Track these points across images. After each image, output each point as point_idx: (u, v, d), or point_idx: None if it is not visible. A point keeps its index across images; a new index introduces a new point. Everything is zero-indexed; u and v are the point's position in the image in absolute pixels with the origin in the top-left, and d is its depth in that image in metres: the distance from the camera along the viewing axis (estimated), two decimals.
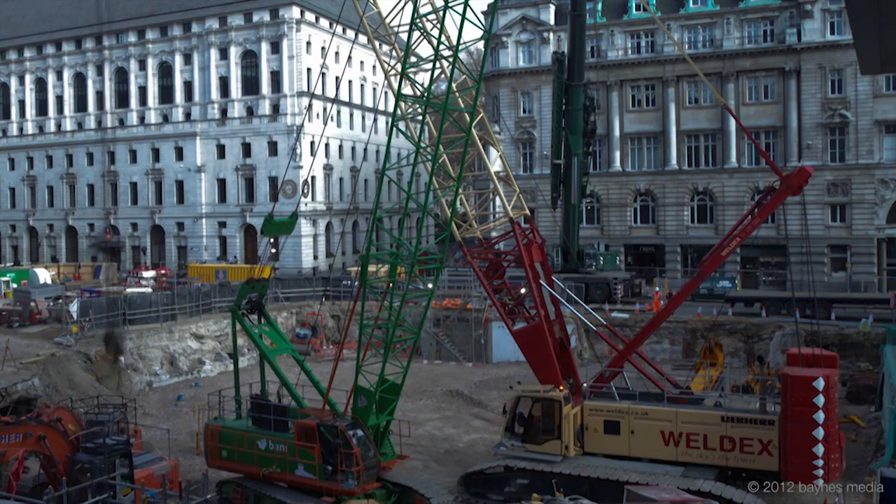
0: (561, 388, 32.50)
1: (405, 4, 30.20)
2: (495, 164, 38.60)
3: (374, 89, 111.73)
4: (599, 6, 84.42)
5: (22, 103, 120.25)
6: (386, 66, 34.07)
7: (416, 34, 29.04)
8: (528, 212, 36.92)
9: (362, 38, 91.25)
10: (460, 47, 27.85)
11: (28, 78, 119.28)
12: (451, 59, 28.41)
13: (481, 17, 31.95)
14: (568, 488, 29.06)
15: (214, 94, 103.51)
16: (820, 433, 28.17)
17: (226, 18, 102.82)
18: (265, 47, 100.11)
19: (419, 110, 29.95)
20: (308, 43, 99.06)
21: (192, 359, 59.56)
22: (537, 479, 30.69)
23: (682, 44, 79.93)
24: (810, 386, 28.33)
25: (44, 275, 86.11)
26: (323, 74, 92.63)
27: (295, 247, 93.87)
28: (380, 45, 34.59)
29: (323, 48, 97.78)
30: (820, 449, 28.23)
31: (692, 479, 29.13)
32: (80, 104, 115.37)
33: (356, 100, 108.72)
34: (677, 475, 29.66)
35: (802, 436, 28.39)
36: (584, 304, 63.10)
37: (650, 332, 36.76)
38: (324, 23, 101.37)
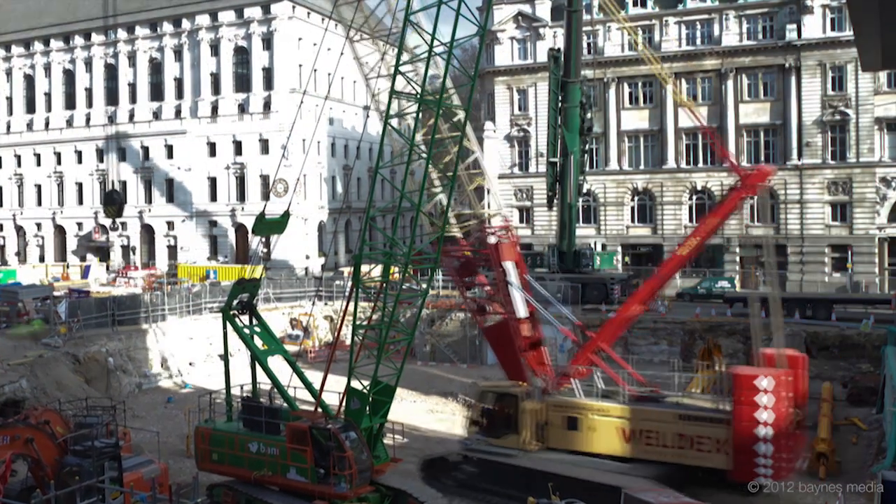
0: (523, 383, 33.49)
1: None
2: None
3: (368, 86, 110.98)
4: (596, 2, 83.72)
5: (10, 100, 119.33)
6: (364, 68, 33.83)
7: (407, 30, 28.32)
8: (504, 211, 37.32)
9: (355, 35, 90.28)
10: (454, 44, 27.19)
11: (16, 75, 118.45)
12: (444, 56, 27.84)
13: (476, 12, 31.52)
14: (523, 482, 30.34)
15: (205, 91, 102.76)
16: (765, 431, 28.68)
17: (217, 15, 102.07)
18: (257, 44, 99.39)
19: (412, 108, 29.35)
20: (300, 39, 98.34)
21: (182, 360, 58.77)
22: (496, 471, 31.68)
23: (679, 40, 79.76)
24: (754, 385, 28.87)
25: (31, 275, 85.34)
26: (315, 71, 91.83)
27: (287, 246, 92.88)
28: (358, 36, 34.06)
29: (315, 44, 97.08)
30: (765, 447, 28.73)
31: (627, 475, 29.94)
32: (69, 101, 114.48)
33: (349, 97, 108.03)
34: (618, 471, 30.46)
35: (748, 434, 28.94)
36: (581, 304, 63.15)
37: (610, 331, 36.64)
38: (315, 18, 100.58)
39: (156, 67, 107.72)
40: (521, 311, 35.73)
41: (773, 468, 28.82)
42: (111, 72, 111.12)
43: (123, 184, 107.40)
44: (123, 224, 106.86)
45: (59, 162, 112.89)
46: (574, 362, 35.61)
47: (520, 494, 30.31)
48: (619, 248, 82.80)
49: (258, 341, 32.80)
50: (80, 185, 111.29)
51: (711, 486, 30.66)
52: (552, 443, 32.99)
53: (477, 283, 37.28)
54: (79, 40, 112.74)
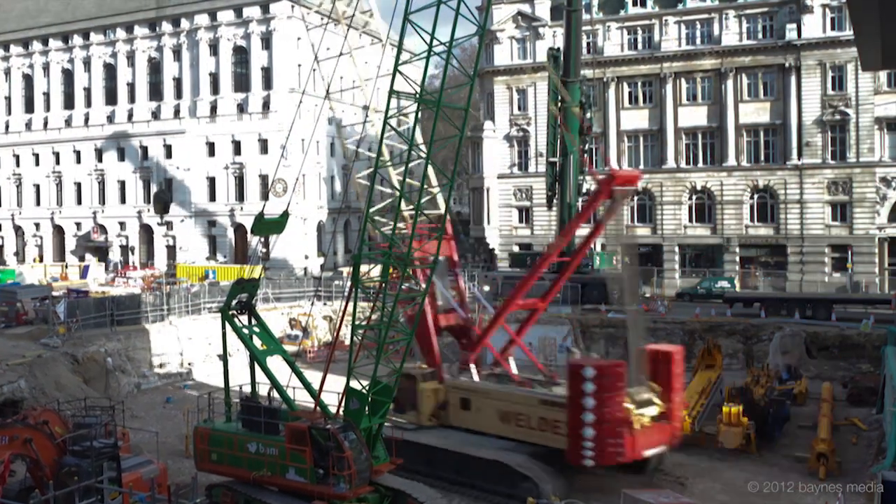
0: (427, 366, 37.23)
1: None
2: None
3: (367, 86, 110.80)
4: (595, 1, 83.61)
5: (8, 100, 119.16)
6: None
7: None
8: (441, 210, 40.51)
9: (354, 34, 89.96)
10: (454, 43, 27.09)
11: (14, 74, 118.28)
12: (444, 55, 27.76)
13: (475, 12, 31.50)
14: (414, 456, 32.73)
15: (204, 91, 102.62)
16: (588, 417, 30.60)
17: (216, 14, 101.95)
18: (256, 43, 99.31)
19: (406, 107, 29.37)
20: (299, 39, 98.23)
21: (181, 360, 58.71)
22: (396, 446, 33.42)
23: (679, 40, 79.85)
24: (579, 374, 31.04)
25: (30, 274, 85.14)
26: (314, 70, 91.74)
27: (286, 246, 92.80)
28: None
29: (314, 44, 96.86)
30: (589, 432, 30.67)
31: (489, 448, 33.31)
32: (68, 101, 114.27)
33: (347, 96, 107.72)
34: (482, 446, 33.64)
35: (574, 419, 31.14)
36: (581, 304, 63.15)
37: (498, 325, 38.95)
38: (315, 18, 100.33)
39: (155, 67, 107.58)
40: (441, 301, 38.68)
41: (596, 451, 30.74)
42: (110, 71, 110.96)
43: (122, 183, 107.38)
44: (122, 224, 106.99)
45: (57, 162, 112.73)
46: (471, 350, 38.39)
47: (411, 467, 32.37)
48: (619, 248, 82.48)
49: (257, 341, 32.63)
50: (78, 185, 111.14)
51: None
52: (450, 421, 36.20)
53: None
54: (77, 40, 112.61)
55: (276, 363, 32.61)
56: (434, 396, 36.30)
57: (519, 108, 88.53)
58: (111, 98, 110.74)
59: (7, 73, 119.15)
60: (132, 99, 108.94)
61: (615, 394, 30.96)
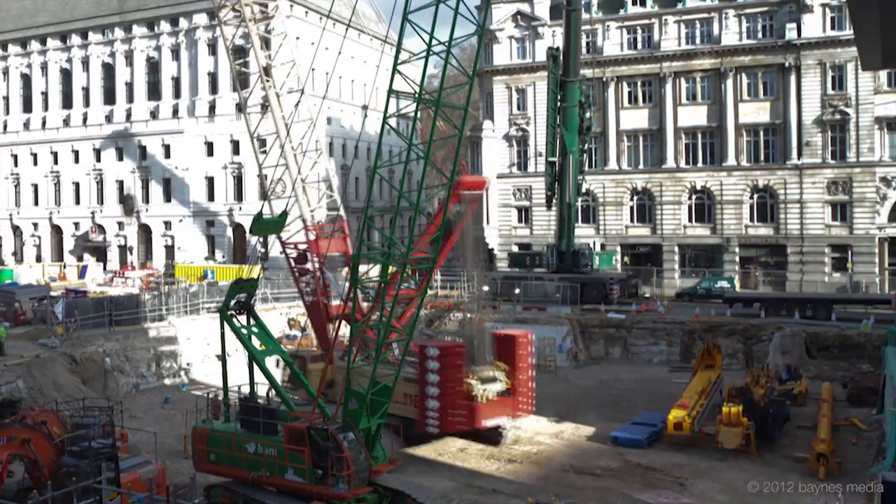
0: (319, 350, 41.38)
1: None
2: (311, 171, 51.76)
3: (365, 85, 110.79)
4: (595, 0, 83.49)
5: (6, 100, 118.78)
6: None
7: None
8: (340, 212, 50.09)
9: (353, 33, 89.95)
10: (453, 43, 27.00)
11: (13, 74, 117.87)
12: (443, 55, 27.70)
13: (474, 11, 31.41)
14: None
15: (203, 90, 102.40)
16: (431, 391, 35.07)
17: (214, 13, 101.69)
18: (255, 43, 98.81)
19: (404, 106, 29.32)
20: (297, 38, 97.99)
21: (179, 361, 58.56)
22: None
23: (679, 39, 79.76)
24: (424, 354, 35.48)
25: (28, 274, 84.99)
26: (313, 70, 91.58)
27: None
28: None
29: (313, 43, 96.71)
30: (432, 403, 35.14)
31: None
32: (66, 101, 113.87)
33: (347, 96, 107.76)
34: None
35: (422, 392, 35.59)
36: (580, 304, 63.16)
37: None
38: (313, 17, 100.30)
39: (153, 67, 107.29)
40: (334, 291, 43.82)
41: (440, 420, 35.40)
42: (108, 71, 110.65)
43: (121, 183, 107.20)
44: (121, 224, 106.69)
45: (55, 161, 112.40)
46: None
47: None
48: (619, 248, 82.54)
49: (256, 341, 32.62)
50: (76, 185, 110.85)
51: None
52: (336, 397, 38.59)
53: (309, 270, 45.90)
54: (76, 39, 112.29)
55: (274, 363, 32.56)
56: (321, 375, 37.89)
57: (518, 108, 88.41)
58: (109, 98, 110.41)
59: (5, 72, 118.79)
60: (130, 98, 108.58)
61: (455, 371, 35.36)
